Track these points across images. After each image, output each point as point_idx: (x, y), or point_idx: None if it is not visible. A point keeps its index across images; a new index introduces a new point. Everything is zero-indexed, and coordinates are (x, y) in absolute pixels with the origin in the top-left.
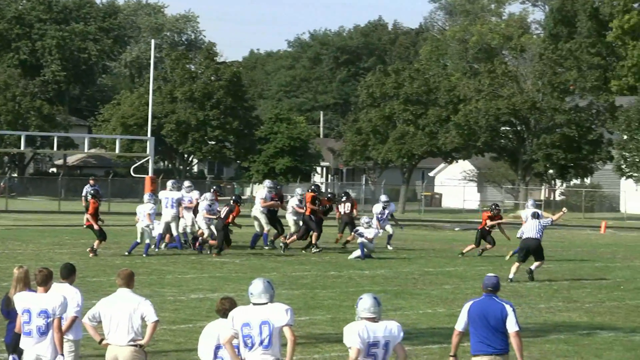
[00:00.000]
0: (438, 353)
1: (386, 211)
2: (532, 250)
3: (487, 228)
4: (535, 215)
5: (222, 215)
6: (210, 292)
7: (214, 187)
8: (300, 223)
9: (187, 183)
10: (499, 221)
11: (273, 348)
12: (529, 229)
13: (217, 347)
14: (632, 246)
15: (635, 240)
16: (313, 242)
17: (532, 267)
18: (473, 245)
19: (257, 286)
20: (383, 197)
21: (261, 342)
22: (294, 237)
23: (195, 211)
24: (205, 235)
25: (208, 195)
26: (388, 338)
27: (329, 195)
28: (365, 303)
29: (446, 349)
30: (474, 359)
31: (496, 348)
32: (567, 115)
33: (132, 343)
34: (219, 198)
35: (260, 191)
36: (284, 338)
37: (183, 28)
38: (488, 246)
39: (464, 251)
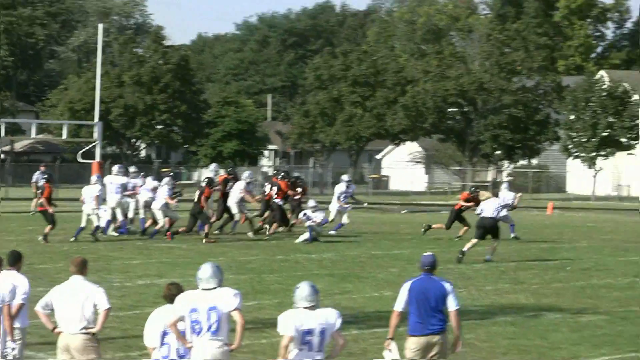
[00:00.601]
0: (383, 336)
1: (350, 190)
2: (487, 229)
3: (463, 209)
4: (496, 195)
5: (196, 200)
6: (157, 277)
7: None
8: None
9: (132, 169)
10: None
11: (221, 333)
12: (488, 208)
13: (164, 333)
14: (578, 227)
15: (582, 221)
16: (269, 229)
17: (488, 255)
18: (442, 225)
19: (205, 271)
20: (345, 177)
21: (209, 328)
22: (275, 225)
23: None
24: (160, 225)
25: (167, 179)
26: (324, 326)
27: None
28: (302, 292)
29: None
30: (411, 338)
31: (435, 327)
32: (514, 95)
33: (84, 331)
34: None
35: (239, 183)
36: (233, 323)
37: (131, 12)
38: (464, 229)
39: (433, 226)
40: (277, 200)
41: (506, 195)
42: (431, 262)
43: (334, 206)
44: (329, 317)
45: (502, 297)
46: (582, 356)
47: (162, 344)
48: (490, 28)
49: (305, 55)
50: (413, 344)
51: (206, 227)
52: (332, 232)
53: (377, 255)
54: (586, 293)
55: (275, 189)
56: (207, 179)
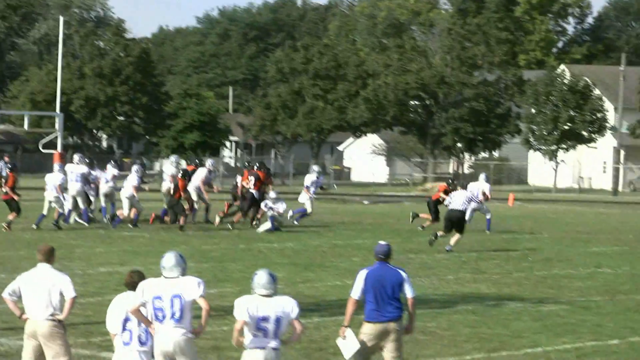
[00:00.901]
0: (373, 330)
1: (320, 180)
2: (454, 222)
3: (441, 200)
4: (464, 186)
5: (171, 192)
6: (119, 265)
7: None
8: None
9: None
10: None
11: (184, 321)
12: (456, 200)
13: (126, 320)
14: (539, 218)
15: (542, 212)
16: (235, 219)
17: (448, 246)
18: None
19: (169, 260)
20: (316, 167)
21: (172, 315)
22: (239, 215)
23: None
24: (125, 213)
25: (136, 167)
26: (280, 314)
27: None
28: (260, 279)
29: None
30: (367, 324)
31: (391, 315)
32: (475, 89)
33: (50, 317)
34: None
35: (201, 170)
36: (198, 310)
37: (92, 4)
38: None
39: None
40: (253, 191)
41: (484, 187)
42: (385, 251)
43: (304, 197)
44: (285, 305)
45: (463, 287)
46: (543, 345)
47: (124, 329)
48: (451, 22)
49: (267, 48)
50: (369, 329)
51: (181, 219)
52: (295, 221)
53: (339, 244)
54: (547, 283)
55: (253, 179)
56: (182, 171)
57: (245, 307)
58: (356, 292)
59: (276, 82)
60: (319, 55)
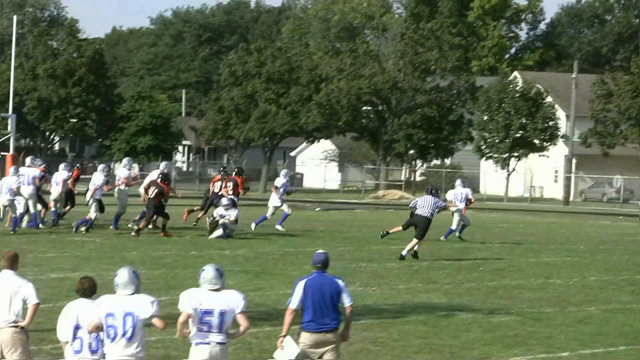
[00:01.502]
0: (297, 332)
1: (288, 184)
2: (417, 225)
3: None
4: (432, 192)
5: (152, 195)
6: (70, 271)
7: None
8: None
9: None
10: None
11: (135, 339)
12: (423, 205)
13: (77, 327)
14: (491, 227)
15: (494, 221)
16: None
17: (405, 251)
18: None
19: (122, 276)
20: (284, 171)
21: (124, 334)
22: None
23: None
24: (93, 216)
25: (102, 166)
26: (224, 308)
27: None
28: (206, 274)
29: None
30: (305, 334)
31: (329, 324)
32: (428, 95)
33: (12, 324)
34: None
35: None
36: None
37: (45, 4)
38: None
39: (390, 231)
40: (232, 197)
41: (462, 191)
42: (323, 259)
43: (275, 201)
44: (231, 299)
45: (414, 296)
46: (494, 356)
47: (75, 338)
48: (404, 27)
49: (220, 51)
50: (306, 339)
51: (142, 223)
52: (278, 227)
53: (291, 252)
54: (498, 293)
55: (231, 185)
56: (161, 175)
57: (188, 300)
58: (295, 302)
59: (229, 85)
60: (272, 59)
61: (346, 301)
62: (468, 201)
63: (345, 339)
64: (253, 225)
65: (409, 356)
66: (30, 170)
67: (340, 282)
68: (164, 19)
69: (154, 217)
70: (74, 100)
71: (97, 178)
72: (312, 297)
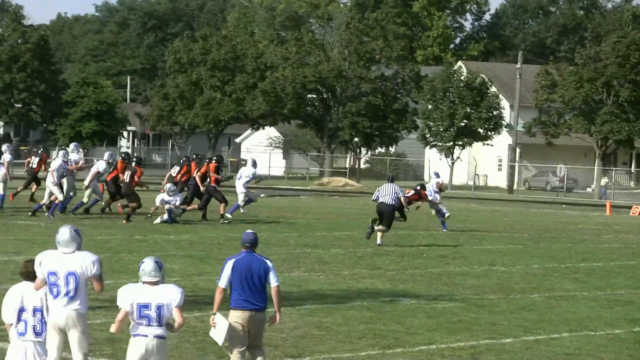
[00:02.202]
0: (240, 317)
1: (255, 172)
2: (384, 214)
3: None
4: (392, 179)
5: (127, 180)
6: (15, 254)
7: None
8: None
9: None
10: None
11: (78, 298)
12: (384, 194)
13: (21, 310)
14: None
15: None
16: (222, 212)
17: (381, 236)
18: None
19: (64, 234)
20: (251, 160)
21: (67, 293)
22: (195, 206)
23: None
24: (59, 197)
25: (62, 152)
26: (161, 302)
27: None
28: (146, 266)
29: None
30: (234, 311)
31: (256, 304)
32: (372, 84)
33: None
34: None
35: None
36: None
37: None
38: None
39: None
40: (212, 185)
41: (434, 181)
42: (252, 239)
43: (240, 188)
44: (168, 293)
45: (359, 282)
46: (437, 342)
47: (19, 320)
48: (349, 16)
49: (165, 38)
50: (235, 317)
51: (130, 208)
52: (242, 211)
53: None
54: (442, 280)
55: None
56: (136, 158)
57: (126, 296)
58: (223, 281)
59: (174, 72)
60: (217, 47)
61: (273, 281)
62: (439, 188)
63: (275, 321)
64: (228, 216)
65: (353, 341)
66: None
67: (268, 262)
68: (109, 6)
69: (117, 199)
70: (19, 86)
71: (55, 164)
72: (241, 276)
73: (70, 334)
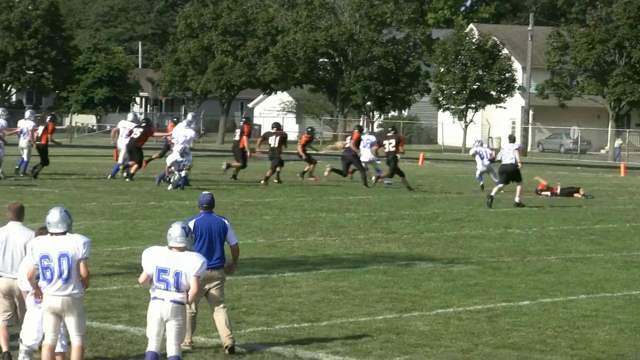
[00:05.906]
0: (258, 283)
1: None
2: (508, 173)
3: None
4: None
5: (137, 136)
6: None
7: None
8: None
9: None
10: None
11: (72, 281)
12: (506, 154)
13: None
14: (449, 178)
15: (452, 171)
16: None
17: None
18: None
19: (54, 216)
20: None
21: (60, 275)
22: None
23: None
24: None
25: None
26: (180, 269)
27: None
28: (173, 231)
29: (267, 279)
30: None
31: (217, 262)
32: (384, 47)
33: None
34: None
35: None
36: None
37: None
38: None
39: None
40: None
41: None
42: (209, 200)
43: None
44: (189, 261)
45: (374, 246)
46: (454, 305)
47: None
48: None
49: (176, 3)
50: None
51: (133, 168)
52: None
53: (250, 202)
54: (458, 243)
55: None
56: (145, 120)
57: (149, 258)
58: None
59: (185, 37)
60: (228, 11)
61: (232, 239)
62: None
63: (231, 272)
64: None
65: (369, 305)
66: (27, 123)
67: (226, 221)
68: None
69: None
70: (30, 52)
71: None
72: (201, 235)
73: (66, 318)
